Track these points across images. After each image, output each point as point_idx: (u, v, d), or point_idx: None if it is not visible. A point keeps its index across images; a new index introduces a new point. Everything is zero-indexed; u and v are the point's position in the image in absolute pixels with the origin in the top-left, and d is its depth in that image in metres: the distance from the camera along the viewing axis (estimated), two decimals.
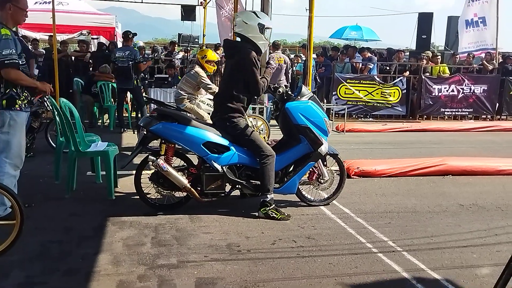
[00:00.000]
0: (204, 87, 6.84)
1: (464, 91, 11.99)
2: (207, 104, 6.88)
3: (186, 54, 11.77)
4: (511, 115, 12.61)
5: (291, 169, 4.62)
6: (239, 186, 4.49)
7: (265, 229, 4.09)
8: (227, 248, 3.67)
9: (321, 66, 12.05)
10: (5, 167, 3.87)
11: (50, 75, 9.23)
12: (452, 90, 11.95)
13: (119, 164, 5.06)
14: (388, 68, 12.46)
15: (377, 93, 11.62)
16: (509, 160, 6.69)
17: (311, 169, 4.71)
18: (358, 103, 11.60)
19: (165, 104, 4.97)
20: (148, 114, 6.07)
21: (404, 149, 8.12)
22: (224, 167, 4.32)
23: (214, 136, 4.33)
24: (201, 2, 14.04)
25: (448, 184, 5.87)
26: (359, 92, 11.51)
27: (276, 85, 4.79)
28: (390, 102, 11.71)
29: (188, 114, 5.65)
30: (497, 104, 12.35)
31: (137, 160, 4.46)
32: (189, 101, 6.82)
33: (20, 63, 3.85)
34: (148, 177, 4.39)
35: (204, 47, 10.25)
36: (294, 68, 12.52)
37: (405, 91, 11.75)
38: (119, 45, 12.59)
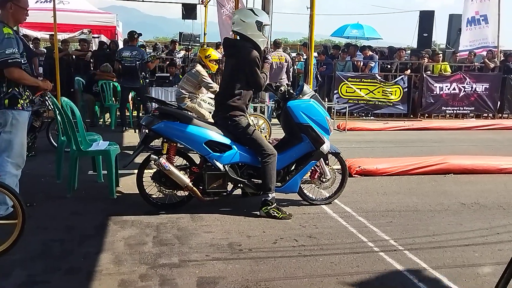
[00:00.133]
0: (205, 86, 6.83)
1: (465, 89, 11.97)
2: (208, 103, 6.88)
3: (187, 52, 11.76)
4: None
5: (293, 168, 4.62)
6: (241, 185, 4.49)
7: (267, 228, 4.09)
8: (229, 247, 3.67)
9: (322, 65, 12.03)
10: (7, 166, 3.87)
11: (51, 74, 9.24)
12: (454, 89, 11.93)
13: (120, 163, 5.06)
14: (389, 66, 12.43)
15: (378, 92, 11.61)
16: (511, 159, 6.67)
17: (313, 168, 4.71)
18: (359, 101, 11.59)
19: (166, 103, 4.96)
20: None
21: (405, 148, 8.11)
22: (226, 166, 4.32)
23: (216, 135, 4.33)
24: (202, 1, 14.02)
25: (449, 182, 5.86)
26: (360, 90, 11.50)
27: (277, 83, 4.79)
28: (391, 100, 11.69)
29: (190, 113, 5.64)
30: (499, 103, 12.32)
31: (139, 159, 4.46)
32: (190, 100, 6.82)
33: (22, 62, 3.85)
34: (150, 176, 4.39)
35: (205, 46, 10.25)
36: (295, 66, 12.51)
37: (406, 89, 11.73)
38: (120, 43, 12.62)
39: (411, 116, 11.93)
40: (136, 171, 4.49)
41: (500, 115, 12.50)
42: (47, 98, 4.49)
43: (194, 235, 3.89)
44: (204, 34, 13.97)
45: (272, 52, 9.83)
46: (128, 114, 9.50)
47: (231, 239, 3.83)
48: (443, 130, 10.39)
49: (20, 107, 3.89)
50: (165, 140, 4.35)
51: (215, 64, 7.14)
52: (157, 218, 4.26)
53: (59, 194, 4.84)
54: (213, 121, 4.61)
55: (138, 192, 4.45)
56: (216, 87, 6.65)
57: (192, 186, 4.31)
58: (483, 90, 12.01)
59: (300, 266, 3.38)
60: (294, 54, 15.35)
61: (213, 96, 6.49)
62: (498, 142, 9.06)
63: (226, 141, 4.34)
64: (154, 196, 4.51)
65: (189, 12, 13.77)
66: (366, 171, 6.00)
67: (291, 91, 4.65)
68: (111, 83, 9.39)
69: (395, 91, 11.68)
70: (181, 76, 9.20)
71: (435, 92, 11.87)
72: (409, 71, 11.99)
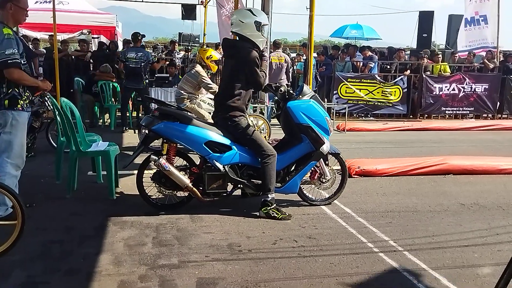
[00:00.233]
0: (205, 86, 6.83)
1: (465, 89, 11.98)
2: (208, 104, 6.88)
3: (187, 53, 11.76)
4: None
5: (292, 168, 4.62)
6: (241, 186, 4.49)
7: (266, 229, 4.09)
8: (228, 248, 3.67)
9: (322, 65, 12.04)
10: (7, 167, 3.87)
11: (51, 75, 9.24)
12: (453, 89, 11.94)
13: (120, 163, 5.06)
14: (389, 67, 12.44)
15: (378, 92, 11.61)
16: (510, 159, 6.68)
17: (312, 169, 4.71)
18: (359, 102, 11.60)
19: (166, 103, 4.97)
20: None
21: (405, 148, 8.12)
22: (226, 167, 4.32)
23: (216, 136, 4.33)
24: (201, 1, 14.03)
25: (449, 183, 5.86)
26: (360, 91, 11.50)
27: (277, 84, 4.79)
28: (391, 101, 11.70)
29: (189, 114, 5.64)
30: (498, 103, 12.34)
31: (139, 159, 4.46)
32: (189, 101, 6.82)
33: (22, 62, 3.85)
34: (150, 177, 4.39)
35: (205, 46, 10.25)
36: (294, 67, 12.51)
37: (406, 90, 11.74)
38: (120, 44, 12.62)
39: (411, 116, 11.94)
40: (136, 171, 4.49)
41: (500, 115, 12.52)
42: (46, 98, 4.49)
43: (193, 235, 3.89)
44: (204, 35, 13.97)
45: (271, 52, 9.84)
46: (127, 114, 9.50)
47: (230, 239, 3.83)
48: (443, 130, 10.39)
49: (20, 107, 3.89)
50: (165, 140, 4.35)
51: (216, 65, 7.16)
52: (156, 218, 4.26)
53: (59, 195, 4.84)
54: (212, 121, 4.62)
55: (137, 192, 4.45)
56: (215, 87, 6.65)
57: (192, 186, 4.31)
58: (482, 90, 12.03)
59: (299, 266, 3.38)
60: (293, 55, 15.36)
61: (212, 96, 6.50)
62: (497, 142, 9.07)
63: (226, 141, 4.35)
64: (154, 197, 4.51)
65: (188, 12, 13.77)
66: (366, 171, 6.00)
67: (291, 91, 4.65)
68: (111, 84, 9.39)
69: (395, 91, 11.69)
70: (180, 77, 9.20)
71: (434, 93, 11.88)
72: (408, 71, 12.01)
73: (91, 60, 11.51)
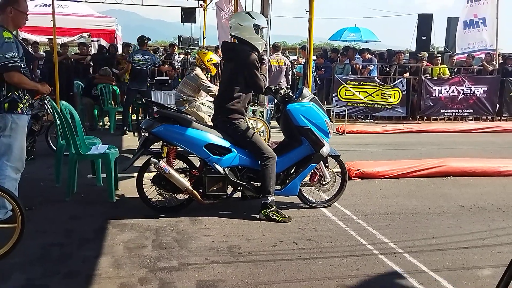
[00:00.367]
0: (204, 89, 6.84)
1: (464, 92, 11.99)
2: (208, 106, 6.88)
3: (186, 56, 11.78)
4: None
5: (292, 170, 4.62)
6: (241, 188, 4.49)
7: (266, 231, 4.09)
8: (228, 250, 3.67)
9: (321, 68, 12.06)
10: (7, 170, 3.87)
11: (51, 78, 9.26)
12: (452, 91, 11.96)
13: (120, 166, 5.06)
14: (388, 69, 12.46)
15: (377, 95, 11.63)
16: (510, 161, 6.68)
17: (312, 171, 4.71)
18: (358, 104, 11.61)
19: (165, 106, 4.97)
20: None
21: (404, 151, 8.13)
22: (225, 169, 4.32)
23: (216, 138, 4.33)
24: (201, 4, 14.07)
25: (448, 185, 5.86)
26: (359, 93, 11.52)
27: (277, 87, 4.80)
28: (390, 103, 11.72)
29: (189, 117, 5.64)
30: (497, 105, 12.34)
31: (139, 162, 4.46)
32: (189, 104, 6.82)
33: (22, 66, 3.86)
34: (150, 180, 4.39)
35: (204, 49, 10.27)
36: (294, 69, 12.53)
37: (405, 92, 11.76)
38: (119, 47, 12.64)
39: (410, 119, 11.96)
40: (135, 174, 4.49)
41: (499, 117, 12.52)
42: (46, 101, 4.49)
43: (193, 238, 3.89)
44: (203, 38, 14.00)
45: (270, 55, 9.85)
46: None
47: (230, 242, 3.83)
48: (442, 132, 10.39)
49: (19, 111, 3.89)
50: (165, 143, 4.35)
51: (215, 68, 7.18)
52: (156, 221, 4.25)
53: (58, 198, 4.84)
54: (212, 124, 4.62)
55: (137, 195, 4.45)
56: (215, 90, 6.65)
57: (192, 189, 4.31)
58: (481, 92, 12.04)
59: (299, 269, 3.38)
60: (293, 58, 15.37)
61: (212, 99, 6.50)
62: (497, 144, 9.08)
63: (226, 144, 4.35)
64: (153, 200, 4.51)
65: (188, 15, 13.81)
66: (366, 174, 6.01)
67: (291, 94, 4.66)
68: (110, 87, 9.41)
69: (394, 94, 11.70)
70: (180, 80, 9.22)
71: (434, 95, 11.89)
72: (408, 74, 12.03)
73: (90, 63, 11.53)
